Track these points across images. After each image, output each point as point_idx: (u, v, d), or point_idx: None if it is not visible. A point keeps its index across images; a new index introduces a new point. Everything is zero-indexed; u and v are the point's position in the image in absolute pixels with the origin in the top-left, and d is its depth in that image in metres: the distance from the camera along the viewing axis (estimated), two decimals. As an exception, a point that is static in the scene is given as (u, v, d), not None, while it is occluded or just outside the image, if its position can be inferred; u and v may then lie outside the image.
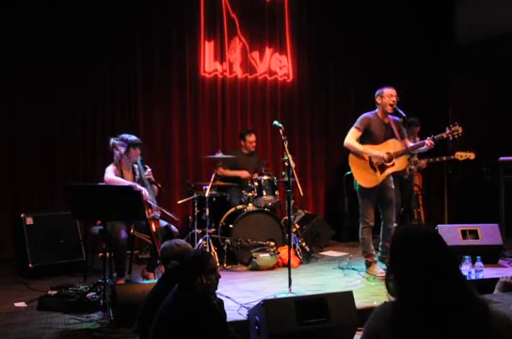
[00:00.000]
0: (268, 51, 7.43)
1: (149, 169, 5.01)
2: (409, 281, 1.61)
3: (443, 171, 8.29)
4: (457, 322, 1.55)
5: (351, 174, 5.22)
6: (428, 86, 8.07)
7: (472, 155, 5.19)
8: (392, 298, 1.65)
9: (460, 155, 5.20)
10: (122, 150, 4.83)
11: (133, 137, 4.91)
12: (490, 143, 7.27)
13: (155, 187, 5.03)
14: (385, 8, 7.90)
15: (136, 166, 4.96)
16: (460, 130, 4.92)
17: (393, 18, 7.96)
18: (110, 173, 4.78)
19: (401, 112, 5.06)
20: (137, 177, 4.96)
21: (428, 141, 5.01)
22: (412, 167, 5.77)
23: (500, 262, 5.61)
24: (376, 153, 5.01)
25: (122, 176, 4.87)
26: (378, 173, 5.04)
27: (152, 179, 5.01)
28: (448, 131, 4.95)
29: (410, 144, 5.14)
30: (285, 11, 7.50)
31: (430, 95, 8.06)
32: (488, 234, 5.52)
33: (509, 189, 6.46)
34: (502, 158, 6.37)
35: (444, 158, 5.56)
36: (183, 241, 3.50)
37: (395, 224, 5.43)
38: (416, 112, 6.90)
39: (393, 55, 7.94)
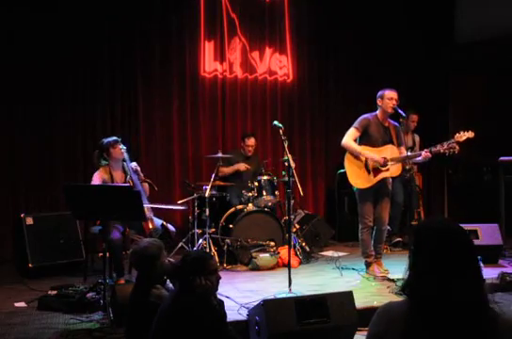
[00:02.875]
0: (268, 51, 7.43)
1: (134, 163, 4.89)
2: (427, 274, 1.58)
3: (443, 171, 8.30)
4: (466, 323, 1.54)
5: (344, 172, 5.25)
6: (428, 86, 8.07)
7: (471, 134, 5.07)
8: (397, 298, 1.64)
9: (460, 137, 5.09)
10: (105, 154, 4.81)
11: (108, 138, 4.86)
12: (490, 143, 7.26)
13: (146, 186, 4.94)
14: (385, 7, 7.90)
15: (124, 163, 4.86)
16: (457, 148, 4.89)
17: (393, 18, 7.96)
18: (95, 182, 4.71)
19: (401, 112, 5.06)
20: (128, 177, 4.88)
21: (425, 153, 4.99)
22: (414, 166, 5.77)
23: (500, 262, 5.62)
24: (373, 156, 5.00)
25: (112, 178, 4.80)
26: (372, 176, 5.05)
27: (141, 175, 4.91)
28: (446, 146, 4.92)
29: (406, 153, 5.08)
30: (285, 11, 7.49)
31: (430, 95, 8.06)
32: (488, 234, 5.53)
33: (509, 189, 6.46)
34: (502, 158, 6.38)
35: (445, 144, 5.44)
36: (151, 240, 3.43)
37: (388, 227, 5.45)
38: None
39: (393, 55, 7.94)
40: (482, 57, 7.81)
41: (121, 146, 4.81)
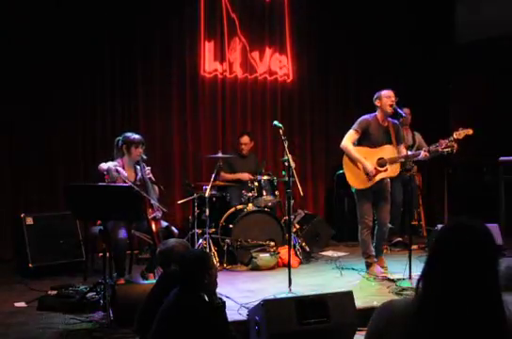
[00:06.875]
0: (268, 51, 7.43)
1: (148, 168, 4.93)
2: (438, 273, 1.57)
3: (443, 171, 8.29)
4: (472, 324, 1.52)
5: (343, 173, 5.28)
6: (428, 86, 8.07)
7: (469, 131, 5.06)
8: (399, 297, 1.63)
9: (459, 134, 5.08)
10: (124, 147, 4.83)
11: (135, 136, 4.87)
12: (490, 143, 7.26)
13: (156, 187, 4.99)
14: (385, 7, 7.89)
15: (138, 166, 4.92)
16: (456, 146, 4.92)
17: (393, 18, 7.94)
18: (110, 165, 4.66)
19: (401, 112, 5.07)
20: (139, 177, 4.90)
21: (424, 153, 5.05)
22: (414, 167, 5.77)
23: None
24: (367, 167, 5.02)
25: None
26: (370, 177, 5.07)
27: (153, 178, 4.96)
28: (444, 145, 4.95)
29: (406, 151, 5.10)
30: (285, 11, 7.49)
31: (430, 95, 8.05)
32: (488, 234, 5.51)
33: (509, 189, 6.46)
34: (502, 158, 6.38)
35: (443, 142, 5.36)
36: (179, 240, 3.49)
37: (390, 225, 5.45)
38: (416, 112, 6.92)
39: (393, 54, 7.93)
40: (482, 57, 7.81)
41: (141, 150, 4.82)
